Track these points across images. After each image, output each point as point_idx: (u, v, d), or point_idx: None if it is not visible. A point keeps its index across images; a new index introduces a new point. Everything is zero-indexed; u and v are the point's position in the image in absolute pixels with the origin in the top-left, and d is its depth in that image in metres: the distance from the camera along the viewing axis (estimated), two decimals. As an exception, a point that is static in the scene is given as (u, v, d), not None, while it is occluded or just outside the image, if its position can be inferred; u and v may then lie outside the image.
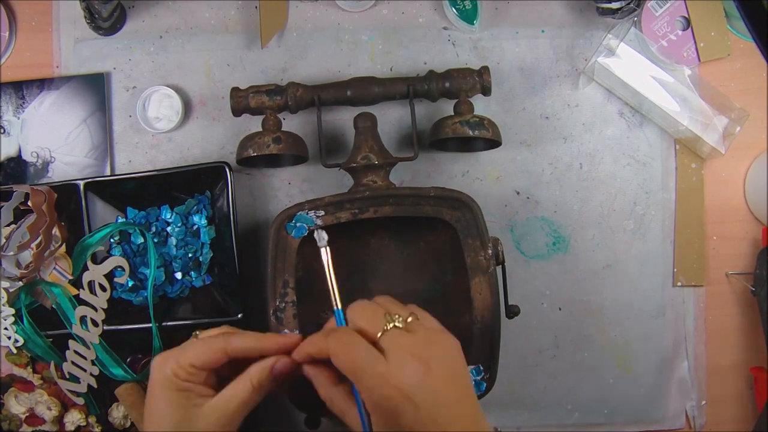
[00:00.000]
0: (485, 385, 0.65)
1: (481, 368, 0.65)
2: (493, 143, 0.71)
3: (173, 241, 0.71)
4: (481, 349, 0.65)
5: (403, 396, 0.45)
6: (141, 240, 0.72)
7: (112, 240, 0.72)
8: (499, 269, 0.67)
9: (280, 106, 0.70)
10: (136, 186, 0.71)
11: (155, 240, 0.71)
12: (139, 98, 0.74)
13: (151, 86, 0.74)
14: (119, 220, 0.73)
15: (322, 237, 0.54)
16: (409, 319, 0.49)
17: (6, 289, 0.69)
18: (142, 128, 0.75)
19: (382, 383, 0.46)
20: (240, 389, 0.51)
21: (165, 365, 0.51)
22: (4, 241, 0.69)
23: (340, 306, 0.53)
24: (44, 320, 0.69)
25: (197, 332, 0.54)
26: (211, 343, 0.51)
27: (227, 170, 0.69)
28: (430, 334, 0.49)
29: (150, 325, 0.68)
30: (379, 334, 0.48)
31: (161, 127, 0.74)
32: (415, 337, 0.48)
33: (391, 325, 0.48)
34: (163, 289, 0.72)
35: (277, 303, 0.66)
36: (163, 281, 0.71)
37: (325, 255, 0.54)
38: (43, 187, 0.69)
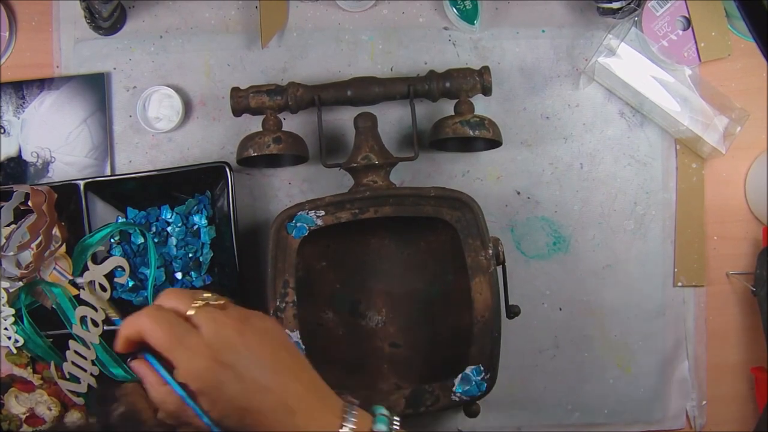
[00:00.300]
0: (486, 385, 0.65)
1: (482, 368, 0.65)
2: (494, 143, 0.71)
3: (173, 241, 0.71)
4: (482, 349, 0.65)
5: (220, 364, 0.45)
6: (141, 240, 0.71)
7: (112, 240, 0.72)
8: (499, 269, 0.67)
9: (281, 106, 0.70)
10: (136, 186, 0.71)
11: (155, 240, 0.71)
12: (139, 98, 0.74)
13: (151, 86, 0.74)
14: (119, 220, 0.72)
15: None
16: (222, 302, 0.48)
17: (6, 289, 0.69)
18: (142, 128, 0.75)
19: (198, 353, 0.45)
20: None
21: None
22: (4, 241, 0.69)
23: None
24: (44, 320, 0.69)
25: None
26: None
27: (227, 170, 0.69)
28: (245, 311, 0.49)
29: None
30: (191, 312, 0.47)
31: (161, 127, 0.74)
32: (228, 312, 0.48)
33: (201, 302, 0.48)
34: (164, 289, 0.72)
35: (277, 303, 0.66)
36: (163, 281, 0.71)
37: None
38: (43, 187, 0.69)
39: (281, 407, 0.46)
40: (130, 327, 0.48)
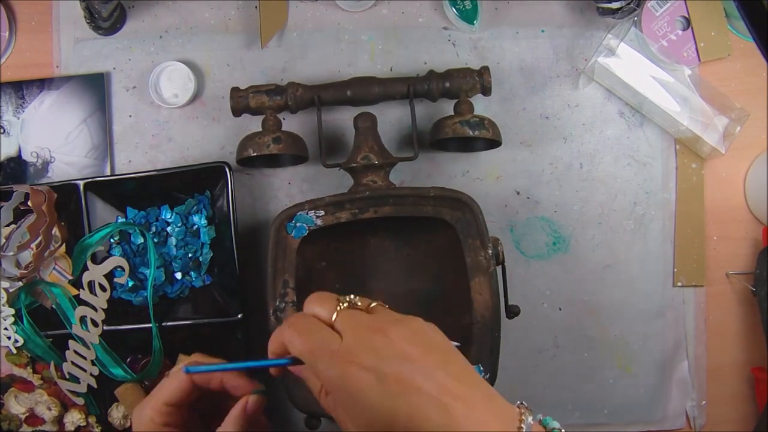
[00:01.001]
0: (485, 385, 0.65)
1: (482, 368, 0.65)
2: (494, 143, 0.71)
3: (173, 241, 0.71)
4: (481, 349, 0.65)
5: (359, 368, 0.41)
6: (141, 240, 0.71)
7: (112, 240, 0.72)
8: (499, 269, 0.67)
9: (280, 106, 0.70)
10: (136, 186, 0.71)
11: (155, 240, 0.71)
12: (150, 78, 0.74)
13: (158, 64, 0.74)
14: (119, 220, 0.72)
15: None
16: (372, 305, 0.46)
17: (6, 289, 0.69)
18: (142, 128, 0.75)
19: (337, 360, 0.42)
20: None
21: (142, 413, 0.49)
22: (4, 241, 0.69)
23: None
24: (44, 320, 0.69)
25: (168, 372, 0.53)
26: (179, 377, 0.49)
27: (227, 170, 0.69)
28: (396, 314, 0.45)
29: (150, 325, 0.68)
30: (334, 316, 0.44)
31: (177, 102, 0.74)
32: (375, 316, 0.44)
33: (345, 304, 0.45)
34: (163, 289, 0.72)
35: (277, 303, 0.66)
36: (163, 281, 0.71)
37: None
38: (43, 187, 0.69)
39: (435, 406, 0.40)
40: (275, 342, 0.46)
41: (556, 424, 0.44)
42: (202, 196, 0.73)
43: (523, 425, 0.41)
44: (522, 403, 0.44)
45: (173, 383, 0.49)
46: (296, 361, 0.45)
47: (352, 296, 0.45)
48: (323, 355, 0.42)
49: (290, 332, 0.44)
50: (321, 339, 0.43)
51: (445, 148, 0.74)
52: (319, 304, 0.45)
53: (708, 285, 0.76)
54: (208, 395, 0.50)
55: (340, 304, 0.45)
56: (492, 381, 0.65)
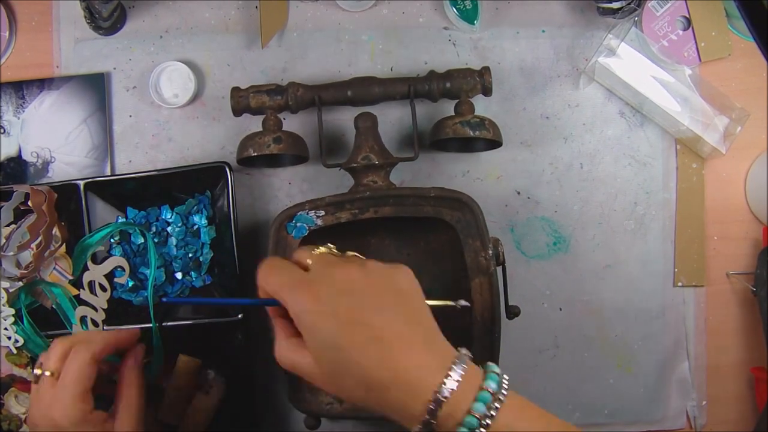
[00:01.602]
0: (485, 385, 0.65)
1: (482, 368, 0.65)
2: (494, 143, 0.71)
3: (173, 241, 0.71)
4: (482, 349, 0.65)
5: (319, 300, 0.44)
6: (141, 240, 0.71)
7: (112, 240, 0.72)
8: (499, 269, 0.67)
9: (281, 106, 0.70)
10: (136, 186, 0.71)
11: (155, 240, 0.71)
12: (150, 78, 0.74)
13: (158, 65, 0.74)
14: (119, 220, 0.72)
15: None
16: (348, 253, 0.49)
17: (6, 289, 0.69)
18: (142, 128, 0.75)
19: (300, 289, 0.45)
20: (134, 396, 0.55)
21: (65, 403, 0.53)
22: (4, 241, 0.69)
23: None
24: (44, 320, 0.69)
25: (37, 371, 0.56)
26: (79, 360, 0.54)
27: (227, 170, 0.69)
28: (372, 262, 0.48)
29: (150, 325, 0.68)
30: (309, 261, 0.47)
31: (177, 102, 0.74)
32: (345, 258, 0.48)
33: (321, 249, 0.48)
34: (164, 289, 0.72)
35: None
36: (163, 281, 0.71)
37: None
38: (43, 187, 0.69)
39: (374, 341, 0.43)
40: (258, 279, 0.49)
41: (496, 368, 0.47)
42: (202, 196, 0.73)
43: (454, 365, 0.44)
44: (463, 349, 0.46)
45: (75, 366, 0.53)
46: (271, 302, 0.48)
47: (330, 245, 0.49)
48: (291, 287, 0.45)
49: (264, 269, 0.48)
50: (289, 273, 0.47)
51: (446, 148, 0.74)
52: (298, 253, 0.49)
53: (708, 285, 0.76)
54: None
55: (316, 249, 0.48)
56: (492, 381, 0.65)
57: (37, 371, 0.55)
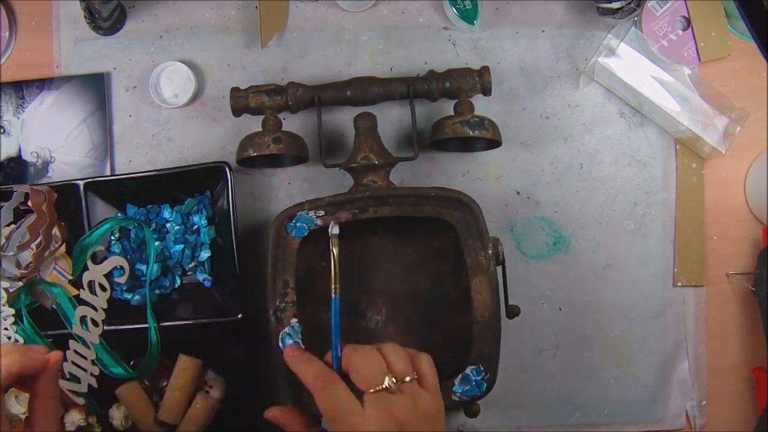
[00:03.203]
0: (486, 385, 0.65)
1: (482, 368, 0.65)
2: (494, 143, 0.71)
3: (171, 238, 0.71)
4: (481, 349, 0.65)
5: None
6: (141, 236, 0.71)
7: (112, 238, 0.72)
8: (499, 269, 0.67)
9: (280, 106, 0.70)
10: (136, 186, 0.71)
11: (154, 236, 0.71)
12: (150, 79, 0.74)
13: (157, 65, 0.74)
14: (118, 216, 0.72)
15: (334, 229, 0.57)
16: (407, 379, 0.53)
17: (6, 289, 0.69)
18: (142, 128, 0.75)
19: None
20: (51, 408, 0.53)
21: None
22: (4, 241, 0.69)
23: (337, 295, 0.58)
24: (44, 320, 0.69)
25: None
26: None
27: (227, 170, 0.69)
28: (416, 398, 0.53)
29: (146, 325, 0.68)
30: (371, 390, 0.52)
31: (178, 102, 0.74)
32: (400, 398, 0.52)
33: (384, 386, 0.52)
34: (160, 283, 0.71)
35: (277, 303, 0.66)
36: (158, 275, 0.71)
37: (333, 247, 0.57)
38: (43, 187, 0.69)
39: None
40: (303, 371, 0.57)
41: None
42: (202, 196, 0.73)
43: None
44: None
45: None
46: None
47: (391, 377, 0.53)
48: (342, 423, 0.52)
49: (323, 392, 0.53)
50: (347, 408, 0.52)
51: (445, 148, 0.74)
52: (364, 372, 0.54)
53: (708, 285, 0.76)
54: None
55: (379, 386, 0.53)
56: (492, 381, 0.65)
57: None
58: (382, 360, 0.54)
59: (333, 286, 0.58)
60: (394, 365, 0.54)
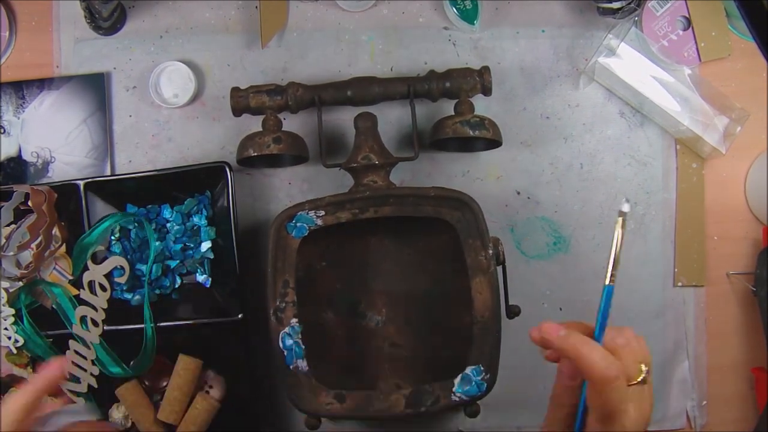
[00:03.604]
0: (486, 385, 0.65)
1: (482, 368, 0.65)
2: (494, 143, 0.71)
3: (172, 238, 0.71)
4: (482, 349, 0.65)
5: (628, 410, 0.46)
6: (142, 235, 0.71)
7: (112, 237, 0.72)
8: (499, 269, 0.67)
9: (281, 106, 0.70)
10: (136, 186, 0.71)
11: (155, 235, 0.71)
12: (150, 79, 0.74)
13: (158, 65, 0.74)
14: (118, 213, 0.72)
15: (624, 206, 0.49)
16: (648, 370, 0.49)
17: (6, 289, 0.69)
18: (142, 128, 0.75)
19: (623, 395, 0.46)
20: (29, 390, 0.51)
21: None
22: (4, 241, 0.69)
23: (611, 282, 0.53)
24: (44, 320, 0.69)
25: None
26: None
27: (227, 170, 0.69)
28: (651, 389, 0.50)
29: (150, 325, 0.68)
30: (638, 379, 0.48)
31: (178, 102, 0.74)
32: (648, 391, 0.48)
33: (639, 380, 0.48)
34: (160, 283, 0.71)
35: (277, 303, 0.66)
36: (159, 275, 0.71)
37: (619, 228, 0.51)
38: (43, 187, 0.69)
39: None
40: (573, 345, 0.51)
41: None
42: (202, 196, 0.73)
43: None
44: None
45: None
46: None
47: (643, 370, 0.48)
48: (616, 421, 0.46)
49: (608, 372, 0.47)
50: (623, 398, 0.46)
51: (446, 148, 0.74)
52: (629, 361, 0.48)
53: (708, 285, 0.76)
54: None
55: (636, 378, 0.48)
56: (492, 381, 0.65)
57: None
58: (644, 344, 0.49)
59: (611, 272, 0.51)
60: (640, 354, 0.49)
